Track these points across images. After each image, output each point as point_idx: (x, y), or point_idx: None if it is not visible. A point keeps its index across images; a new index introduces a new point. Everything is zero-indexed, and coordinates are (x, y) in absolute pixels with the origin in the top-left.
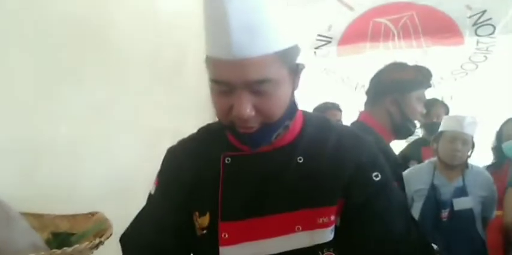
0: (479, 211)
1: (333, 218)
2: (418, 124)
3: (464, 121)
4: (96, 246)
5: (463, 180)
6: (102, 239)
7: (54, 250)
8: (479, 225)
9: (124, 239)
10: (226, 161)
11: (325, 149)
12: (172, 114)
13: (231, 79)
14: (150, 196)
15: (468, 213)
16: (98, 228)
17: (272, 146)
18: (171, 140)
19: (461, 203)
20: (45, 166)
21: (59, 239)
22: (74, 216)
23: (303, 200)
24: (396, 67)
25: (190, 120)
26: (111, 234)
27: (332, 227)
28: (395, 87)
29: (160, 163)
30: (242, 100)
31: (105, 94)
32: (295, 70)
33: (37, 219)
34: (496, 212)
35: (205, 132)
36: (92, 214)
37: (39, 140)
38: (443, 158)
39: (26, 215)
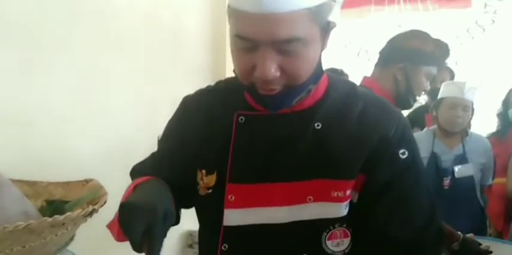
0: (479, 178)
1: (348, 192)
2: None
3: (465, 87)
4: (90, 213)
5: (463, 147)
6: (96, 206)
7: (45, 218)
8: (478, 192)
9: (131, 173)
10: (239, 120)
11: (348, 117)
12: (171, 81)
13: (257, 35)
14: (158, 142)
15: (469, 180)
16: (93, 195)
17: (290, 109)
18: (170, 108)
19: (462, 171)
20: (38, 133)
21: (53, 206)
22: (67, 183)
23: (318, 169)
24: (418, 36)
25: (190, 87)
26: (105, 202)
27: (346, 203)
28: (410, 56)
29: (160, 130)
30: (267, 59)
31: (101, 60)
32: (325, 29)
33: (31, 187)
34: (492, 180)
35: (223, 86)
36: (87, 181)
37: (33, 107)
38: (444, 125)
39: (19, 182)
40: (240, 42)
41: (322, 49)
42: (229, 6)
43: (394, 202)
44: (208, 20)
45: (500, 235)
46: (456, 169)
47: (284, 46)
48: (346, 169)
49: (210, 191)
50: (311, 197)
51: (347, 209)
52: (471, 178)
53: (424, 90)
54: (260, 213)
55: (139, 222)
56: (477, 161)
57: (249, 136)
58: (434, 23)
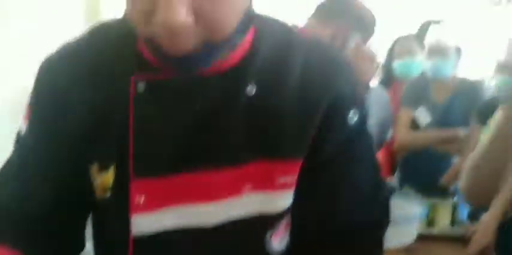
0: (376, 131)
1: (296, 176)
2: None
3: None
4: None
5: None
6: None
7: None
8: (375, 145)
9: None
10: (138, 89)
11: (287, 74)
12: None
13: None
14: (18, 138)
15: None
16: None
17: (209, 68)
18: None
19: None
20: None
21: None
22: None
23: (257, 148)
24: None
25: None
26: None
27: (293, 189)
28: (356, 19)
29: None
30: None
31: None
32: None
33: None
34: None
35: (102, 36)
36: None
37: None
38: None
39: None
40: None
41: None
42: None
43: (340, 177)
44: None
45: None
46: None
47: None
48: (294, 143)
49: (109, 193)
50: (249, 186)
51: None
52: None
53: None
54: (181, 214)
55: None
56: (376, 115)
57: (155, 110)
58: None
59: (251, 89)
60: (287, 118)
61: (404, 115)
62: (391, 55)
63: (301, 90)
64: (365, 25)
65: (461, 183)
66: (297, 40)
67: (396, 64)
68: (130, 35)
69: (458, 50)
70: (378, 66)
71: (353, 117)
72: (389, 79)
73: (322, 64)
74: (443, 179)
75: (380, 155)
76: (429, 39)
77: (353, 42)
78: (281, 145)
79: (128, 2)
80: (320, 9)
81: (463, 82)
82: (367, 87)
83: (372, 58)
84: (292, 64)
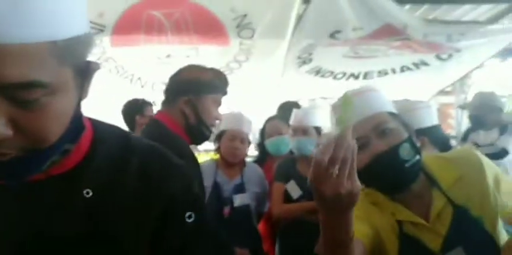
0: (254, 205)
1: None
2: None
3: (243, 120)
4: None
5: (242, 177)
6: None
7: None
8: (254, 218)
9: None
10: None
11: (123, 178)
12: None
13: None
14: None
15: (246, 208)
16: None
17: (44, 173)
18: None
19: (240, 200)
20: None
21: None
22: None
23: (97, 248)
24: (195, 68)
25: None
26: None
27: None
28: (191, 87)
29: None
30: None
31: None
32: (84, 72)
33: None
34: (267, 206)
35: None
36: None
37: None
38: (225, 156)
39: None
40: None
41: (80, 99)
42: None
43: None
44: None
45: None
46: (234, 198)
47: (18, 94)
48: (132, 248)
49: None
50: None
51: None
52: (248, 206)
53: (217, 119)
54: None
55: None
56: (253, 190)
57: None
58: (200, 57)
59: (88, 192)
60: (125, 218)
61: (277, 189)
62: (263, 134)
63: (138, 193)
64: (208, 84)
65: None
66: (134, 145)
67: (267, 142)
68: None
69: (318, 129)
70: (249, 146)
71: (190, 216)
72: (263, 157)
73: (158, 168)
74: (316, 249)
75: (260, 228)
76: (292, 120)
77: (203, 104)
78: (120, 244)
79: None
80: (166, 95)
81: None
82: (244, 164)
83: (243, 139)
84: (129, 168)
